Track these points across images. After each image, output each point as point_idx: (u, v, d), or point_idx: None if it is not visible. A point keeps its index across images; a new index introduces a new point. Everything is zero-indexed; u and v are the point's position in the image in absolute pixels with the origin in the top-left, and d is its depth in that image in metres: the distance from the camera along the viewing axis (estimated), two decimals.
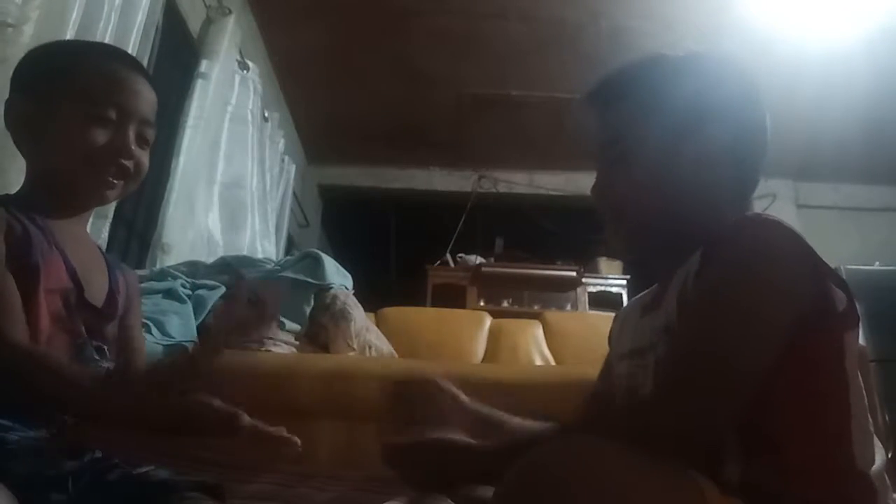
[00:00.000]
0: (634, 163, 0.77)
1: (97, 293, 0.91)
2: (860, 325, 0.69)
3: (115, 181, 0.89)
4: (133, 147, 0.89)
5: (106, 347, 0.91)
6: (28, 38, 1.46)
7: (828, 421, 0.65)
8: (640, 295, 0.88)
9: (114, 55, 0.96)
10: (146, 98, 0.91)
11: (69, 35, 1.59)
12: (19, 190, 0.91)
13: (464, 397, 0.86)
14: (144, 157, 0.91)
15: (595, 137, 0.82)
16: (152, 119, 0.92)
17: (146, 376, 0.91)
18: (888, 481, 0.67)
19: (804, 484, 0.62)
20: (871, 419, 0.68)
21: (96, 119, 0.86)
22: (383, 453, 0.75)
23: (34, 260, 0.80)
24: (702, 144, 0.74)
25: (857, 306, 0.68)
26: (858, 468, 0.63)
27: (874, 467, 0.65)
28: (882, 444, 0.68)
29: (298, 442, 0.78)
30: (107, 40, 1.78)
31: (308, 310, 2.05)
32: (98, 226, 1.86)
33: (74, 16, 1.62)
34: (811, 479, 0.62)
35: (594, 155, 0.82)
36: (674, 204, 0.75)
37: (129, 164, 0.89)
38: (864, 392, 0.67)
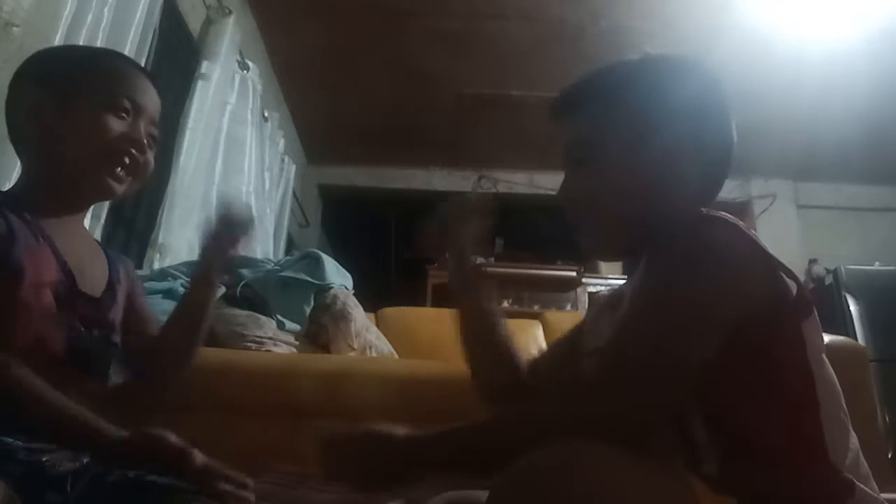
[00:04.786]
0: (595, 164, 0.78)
1: (95, 283, 0.90)
2: (815, 314, 0.69)
3: (124, 175, 0.89)
4: (145, 142, 0.90)
5: (106, 336, 0.90)
6: (22, 36, 1.46)
7: (795, 415, 0.65)
8: (609, 291, 0.90)
9: (124, 58, 1.01)
10: (154, 99, 0.94)
11: (61, 33, 1.59)
12: (12, 187, 0.91)
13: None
14: (151, 156, 0.93)
15: (562, 143, 0.83)
16: (158, 121, 0.94)
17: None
18: (865, 468, 0.66)
19: (777, 480, 0.62)
20: (846, 410, 0.67)
21: (113, 108, 0.88)
22: (322, 447, 0.74)
23: (15, 258, 0.79)
24: (663, 145, 0.75)
25: (808, 294, 0.69)
26: (831, 461, 0.63)
27: (848, 459, 0.65)
28: (878, 439, 0.68)
29: (251, 498, 0.74)
30: (102, 39, 1.78)
31: (308, 310, 2.05)
32: (92, 227, 1.86)
33: (67, 11, 1.62)
34: (784, 474, 0.62)
35: (561, 161, 0.84)
36: (635, 204, 0.76)
37: (141, 158, 0.90)
38: (834, 383, 0.68)
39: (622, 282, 3.36)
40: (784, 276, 0.67)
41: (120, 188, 0.90)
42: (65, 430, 0.74)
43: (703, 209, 0.75)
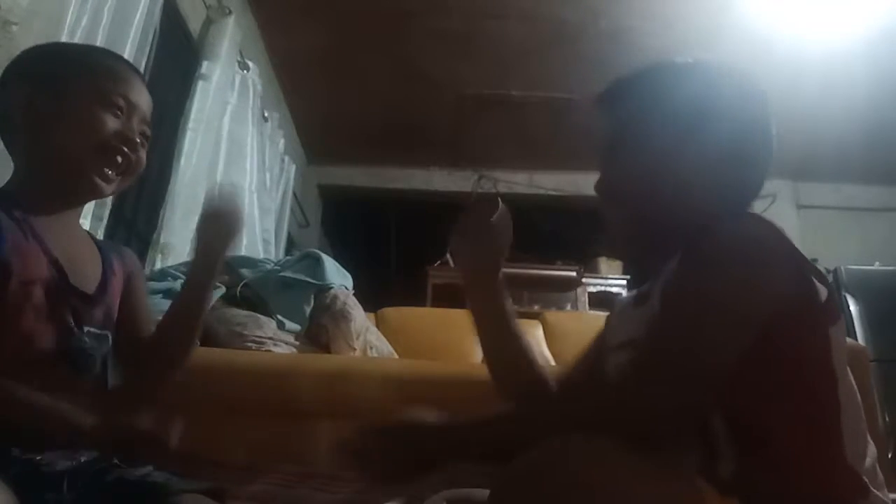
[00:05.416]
0: (631, 156, 0.79)
1: (87, 279, 0.90)
2: (842, 319, 0.69)
3: (114, 174, 0.89)
4: (138, 141, 0.90)
5: (100, 332, 0.90)
6: (22, 35, 1.47)
7: (817, 416, 0.65)
8: (636, 289, 0.89)
9: (117, 57, 1.00)
10: (146, 98, 0.94)
11: (61, 32, 1.59)
12: (3, 186, 0.90)
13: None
14: (143, 154, 0.93)
15: (601, 136, 0.84)
16: (150, 120, 0.94)
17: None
18: (881, 476, 0.67)
19: (795, 479, 0.62)
20: (864, 416, 0.68)
21: (107, 105, 0.87)
22: (347, 447, 0.74)
23: (2, 255, 0.79)
24: (698, 145, 0.76)
25: (837, 300, 0.69)
26: (849, 463, 0.64)
27: (866, 462, 0.65)
28: (878, 439, 0.68)
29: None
30: (102, 38, 1.78)
31: (308, 310, 2.05)
32: (94, 227, 1.86)
33: (71, 10, 1.62)
34: (802, 473, 0.62)
35: (599, 153, 0.84)
36: (667, 199, 0.77)
37: (132, 157, 0.90)
38: (854, 388, 0.68)
39: (622, 282, 3.37)
40: (815, 280, 0.67)
41: (109, 187, 0.90)
42: (34, 422, 0.74)
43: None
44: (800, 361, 0.65)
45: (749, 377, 0.63)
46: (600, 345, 0.91)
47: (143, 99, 0.92)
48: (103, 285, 0.92)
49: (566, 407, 0.67)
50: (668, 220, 0.77)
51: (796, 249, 0.67)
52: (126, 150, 0.89)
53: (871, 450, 0.67)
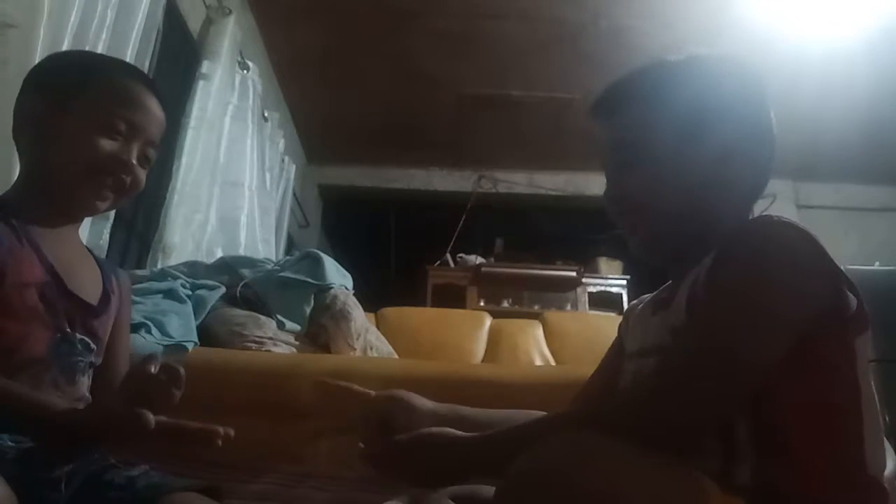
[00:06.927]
0: (647, 166, 0.76)
1: (87, 289, 0.90)
2: (870, 330, 0.69)
3: (108, 193, 0.89)
4: (134, 163, 0.89)
5: (92, 342, 0.89)
6: (28, 37, 1.46)
7: (839, 424, 0.65)
8: (653, 293, 0.87)
9: (132, 73, 0.97)
10: (156, 119, 0.92)
11: (68, 35, 1.59)
12: (5, 193, 0.90)
13: (424, 404, 0.81)
14: (143, 175, 0.92)
15: (605, 143, 0.81)
16: (158, 141, 0.93)
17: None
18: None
19: (814, 486, 0.62)
20: (884, 430, 0.68)
21: (106, 130, 0.86)
22: (368, 459, 0.75)
23: None
24: (713, 144, 0.74)
25: (866, 310, 0.68)
26: (869, 472, 0.64)
27: (886, 472, 0.65)
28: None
29: (221, 432, 0.70)
30: (104, 41, 1.78)
31: (308, 310, 2.05)
32: (99, 227, 1.86)
33: (73, 20, 1.62)
34: (821, 481, 0.62)
35: (603, 161, 0.82)
36: (689, 204, 0.75)
37: (127, 179, 0.89)
38: (875, 399, 0.67)
39: (622, 282, 3.36)
40: (845, 289, 0.67)
41: (103, 205, 0.90)
42: (12, 410, 0.73)
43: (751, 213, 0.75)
44: (825, 368, 0.65)
45: (774, 383, 0.62)
46: (616, 355, 0.89)
47: (150, 121, 0.91)
48: (105, 300, 0.92)
49: (600, 417, 0.65)
50: (688, 227, 0.75)
51: (828, 255, 0.66)
52: (120, 173, 0.88)
53: (892, 460, 0.67)
